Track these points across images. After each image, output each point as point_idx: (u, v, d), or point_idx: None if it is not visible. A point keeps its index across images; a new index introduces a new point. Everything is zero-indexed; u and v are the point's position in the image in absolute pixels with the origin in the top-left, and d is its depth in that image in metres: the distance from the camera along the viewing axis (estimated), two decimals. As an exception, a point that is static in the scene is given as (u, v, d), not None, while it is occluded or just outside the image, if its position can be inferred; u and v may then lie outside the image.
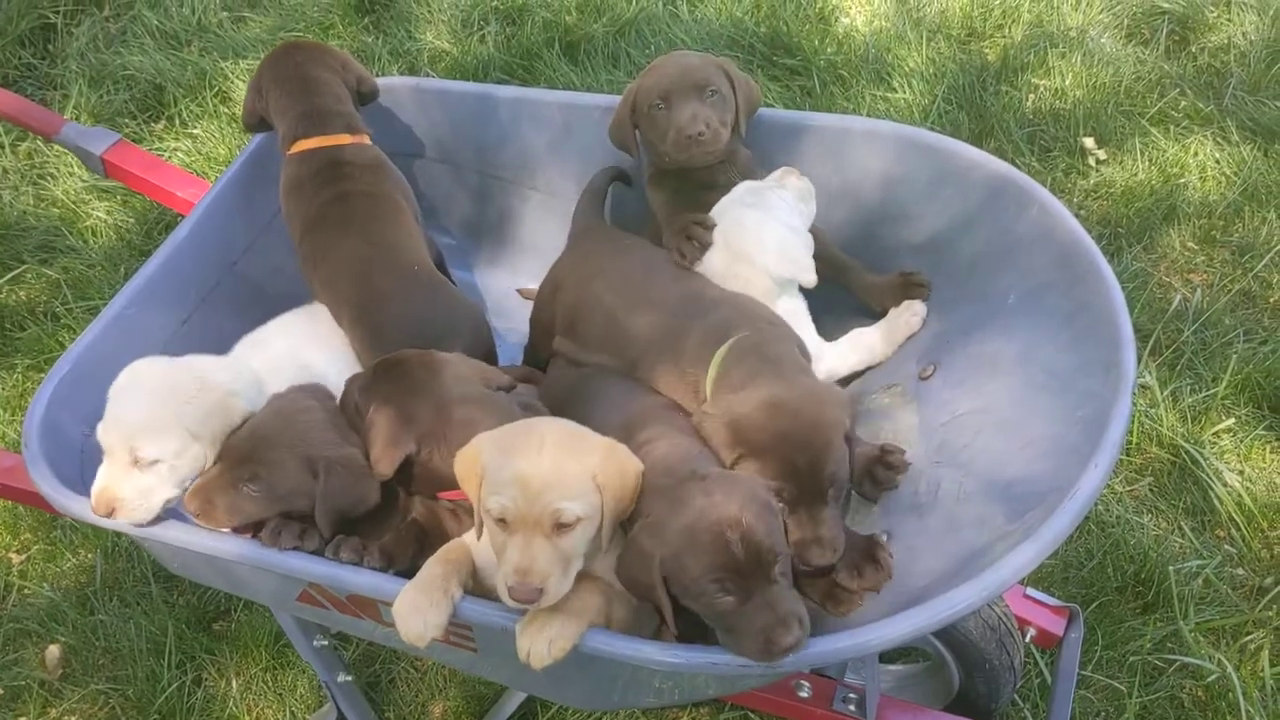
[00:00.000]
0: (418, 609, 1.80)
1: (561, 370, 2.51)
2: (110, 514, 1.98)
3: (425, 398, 2.08)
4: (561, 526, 1.75)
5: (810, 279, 2.37)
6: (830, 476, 1.89)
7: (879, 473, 2.12)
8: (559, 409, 2.22)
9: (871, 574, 1.90)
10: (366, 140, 2.69)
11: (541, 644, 1.72)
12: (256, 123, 2.77)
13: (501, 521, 1.76)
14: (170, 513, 2.07)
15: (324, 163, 2.59)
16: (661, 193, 2.62)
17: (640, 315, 2.32)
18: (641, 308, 2.33)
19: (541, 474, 1.74)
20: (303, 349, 2.48)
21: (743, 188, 2.47)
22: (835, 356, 2.44)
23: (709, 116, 2.43)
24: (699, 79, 2.47)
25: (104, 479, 2.01)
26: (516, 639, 1.75)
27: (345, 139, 2.63)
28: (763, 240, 2.36)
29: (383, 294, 2.48)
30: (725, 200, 2.46)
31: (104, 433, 2.05)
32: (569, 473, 1.76)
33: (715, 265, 2.41)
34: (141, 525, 2.02)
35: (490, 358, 2.57)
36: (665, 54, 2.63)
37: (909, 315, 2.43)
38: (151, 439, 2.02)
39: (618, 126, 2.61)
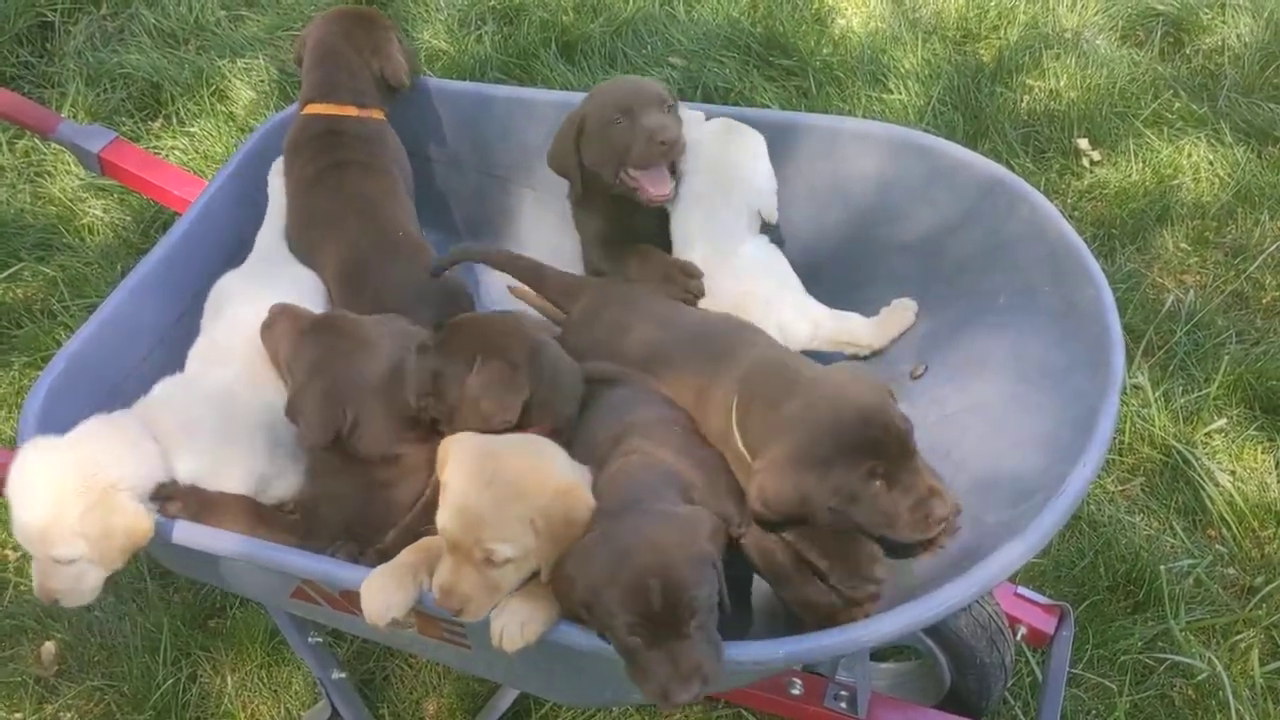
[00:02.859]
0: (383, 589, 1.83)
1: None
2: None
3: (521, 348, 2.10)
4: (490, 562, 1.77)
5: (773, 214, 2.49)
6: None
7: None
8: None
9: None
10: (376, 115, 2.79)
11: (514, 626, 1.75)
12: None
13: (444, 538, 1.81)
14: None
15: (324, 129, 2.73)
16: (592, 216, 2.65)
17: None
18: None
19: (480, 511, 1.77)
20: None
21: (723, 123, 2.55)
22: (810, 327, 2.46)
23: (675, 125, 2.46)
24: (656, 93, 2.50)
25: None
26: (490, 621, 1.77)
27: (351, 110, 2.75)
28: (756, 166, 2.48)
29: (366, 256, 2.59)
30: (713, 128, 2.54)
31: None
32: (507, 514, 1.76)
33: (695, 188, 2.51)
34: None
35: None
36: (603, 81, 2.66)
37: (901, 311, 2.45)
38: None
39: (562, 154, 2.58)
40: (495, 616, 1.77)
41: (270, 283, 2.57)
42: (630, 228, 2.58)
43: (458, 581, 1.76)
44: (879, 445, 1.78)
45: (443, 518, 1.80)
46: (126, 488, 2.00)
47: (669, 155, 2.46)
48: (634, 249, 2.57)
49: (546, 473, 1.85)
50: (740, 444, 1.96)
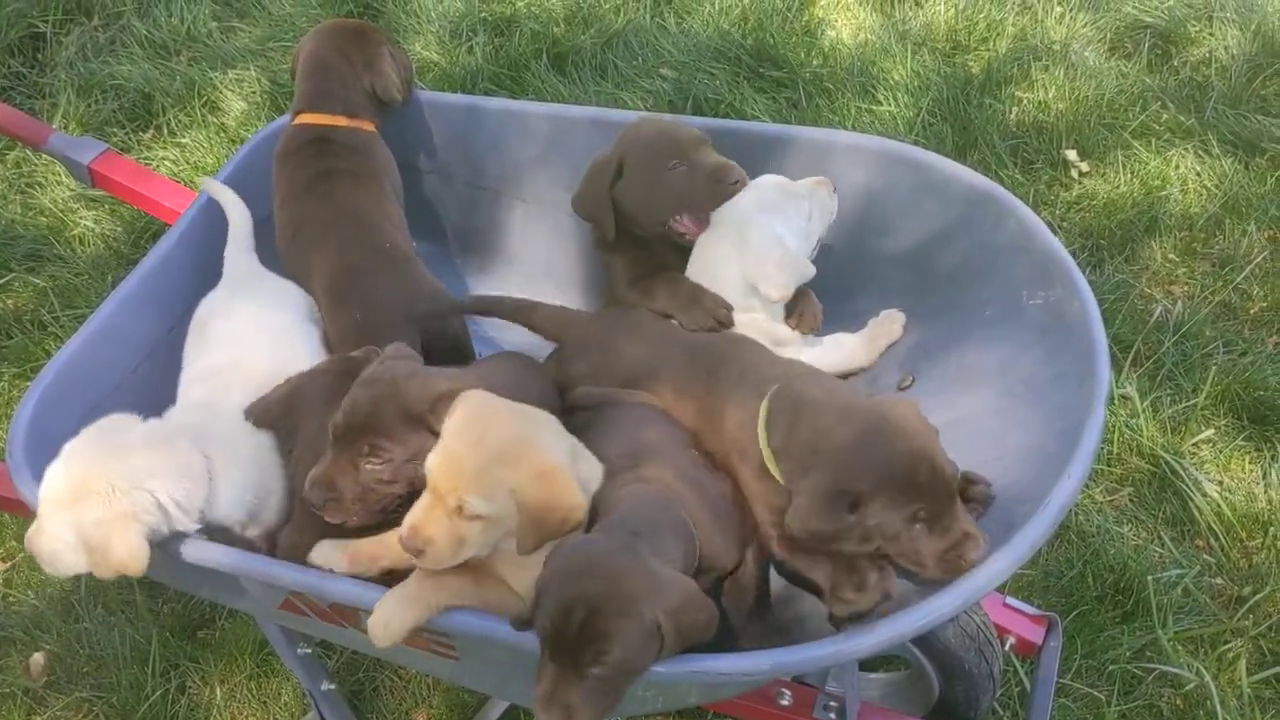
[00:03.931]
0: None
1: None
2: None
3: None
4: (461, 512, 1.79)
5: (771, 293, 2.37)
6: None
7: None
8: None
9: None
10: (367, 127, 2.80)
11: (378, 625, 1.82)
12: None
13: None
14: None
15: (313, 138, 2.74)
16: (619, 254, 2.59)
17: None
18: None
19: (463, 463, 1.80)
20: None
21: (773, 181, 2.46)
22: (809, 355, 2.46)
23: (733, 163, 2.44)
24: (697, 133, 2.48)
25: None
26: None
27: (341, 120, 2.76)
28: (751, 238, 2.39)
29: (353, 267, 2.58)
30: (755, 187, 2.45)
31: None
32: (487, 475, 1.79)
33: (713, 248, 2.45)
34: None
35: (461, 339, 2.71)
36: (639, 122, 2.57)
37: (889, 323, 2.46)
38: None
39: (595, 199, 2.51)
40: (374, 610, 1.83)
41: (253, 297, 2.59)
42: (657, 261, 2.53)
43: (427, 523, 1.79)
44: (926, 489, 1.77)
45: (431, 459, 1.83)
46: (146, 518, 1.98)
47: (735, 191, 2.42)
48: (663, 278, 2.50)
49: (532, 450, 1.85)
50: (771, 462, 1.95)
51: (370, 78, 2.80)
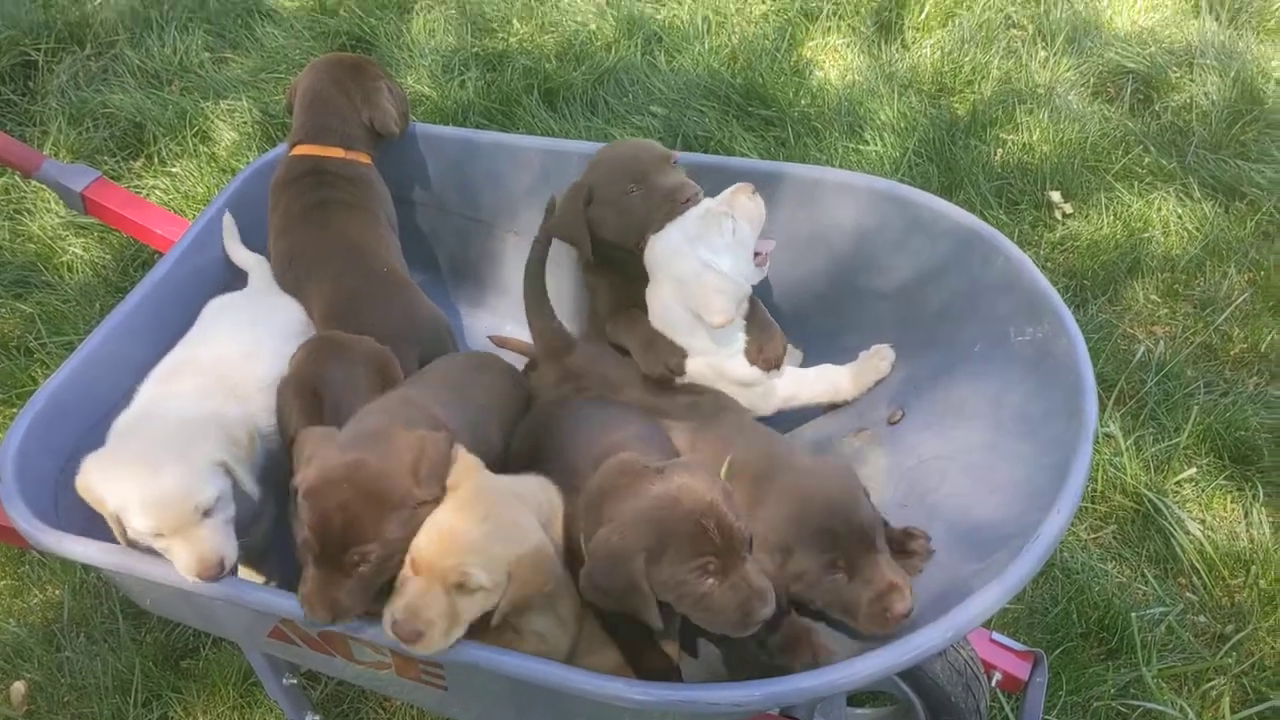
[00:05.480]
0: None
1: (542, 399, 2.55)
2: (222, 568, 1.97)
3: None
4: (462, 588, 1.80)
5: (714, 319, 2.38)
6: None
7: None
8: (539, 436, 2.30)
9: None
10: (362, 159, 2.83)
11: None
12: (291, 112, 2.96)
13: (413, 561, 1.82)
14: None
15: (310, 169, 2.77)
16: (602, 277, 2.65)
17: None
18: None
19: (470, 538, 1.82)
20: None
21: (696, 215, 2.45)
22: (791, 384, 2.51)
23: (686, 179, 2.48)
24: (660, 153, 2.51)
25: (187, 555, 1.96)
26: None
27: (337, 152, 2.80)
28: (681, 273, 2.41)
29: (350, 294, 2.62)
30: (679, 220, 2.46)
31: (146, 523, 1.97)
32: (494, 550, 1.82)
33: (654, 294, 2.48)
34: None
35: None
36: (604, 147, 2.62)
37: (878, 360, 2.49)
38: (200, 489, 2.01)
39: (571, 224, 2.56)
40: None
41: (255, 310, 2.63)
42: (638, 290, 2.55)
43: (428, 604, 1.78)
44: (840, 538, 1.89)
45: (424, 538, 1.83)
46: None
47: (690, 208, 2.45)
48: (633, 316, 2.55)
49: (527, 531, 1.89)
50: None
51: (368, 112, 2.83)
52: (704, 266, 2.39)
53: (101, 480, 2.01)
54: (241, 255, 2.82)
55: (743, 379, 2.47)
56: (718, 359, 2.46)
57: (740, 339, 2.48)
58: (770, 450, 2.15)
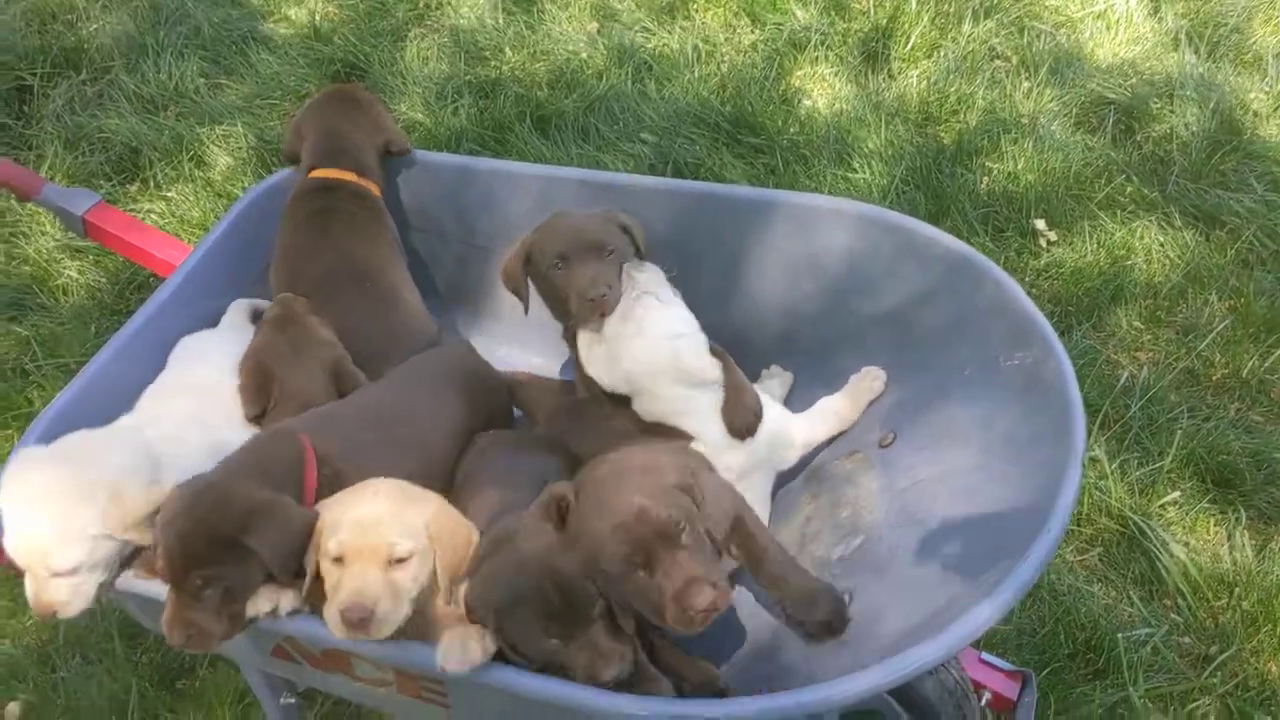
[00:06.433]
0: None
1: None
2: (54, 615, 2.05)
3: None
4: (394, 561, 1.91)
5: (708, 377, 2.41)
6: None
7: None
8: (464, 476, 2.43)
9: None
10: (373, 189, 2.90)
11: (456, 647, 1.84)
12: (295, 158, 3.00)
13: (338, 560, 1.91)
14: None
15: (322, 185, 2.84)
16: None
17: None
18: None
19: (377, 513, 1.94)
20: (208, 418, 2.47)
21: (650, 277, 2.49)
22: (807, 429, 2.54)
23: (609, 277, 2.42)
24: (594, 239, 2.46)
25: (31, 591, 2.05)
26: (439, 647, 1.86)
27: (350, 176, 2.86)
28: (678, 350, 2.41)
29: (341, 302, 2.70)
30: (648, 296, 2.45)
31: (13, 551, 2.05)
32: (403, 515, 1.95)
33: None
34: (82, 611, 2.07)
35: None
36: (557, 212, 2.61)
37: (870, 380, 2.54)
38: (60, 555, 2.04)
39: (510, 275, 2.59)
40: (442, 641, 1.86)
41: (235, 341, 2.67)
42: None
43: (367, 583, 1.87)
44: (636, 535, 1.89)
45: (336, 541, 1.92)
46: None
47: (597, 311, 2.41)
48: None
49: (422, 491, 2.05)
50: None
51: (382, 136, 2.91)
52: (674, 337, 2.40)
53: (10, 476, 2.10)
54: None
55: (719, 448, 2.42)
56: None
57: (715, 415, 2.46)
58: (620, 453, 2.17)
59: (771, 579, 2.12)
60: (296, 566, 1.97)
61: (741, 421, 2.42)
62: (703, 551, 1.93)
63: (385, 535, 1.91)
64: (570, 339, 2.58)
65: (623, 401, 2.45)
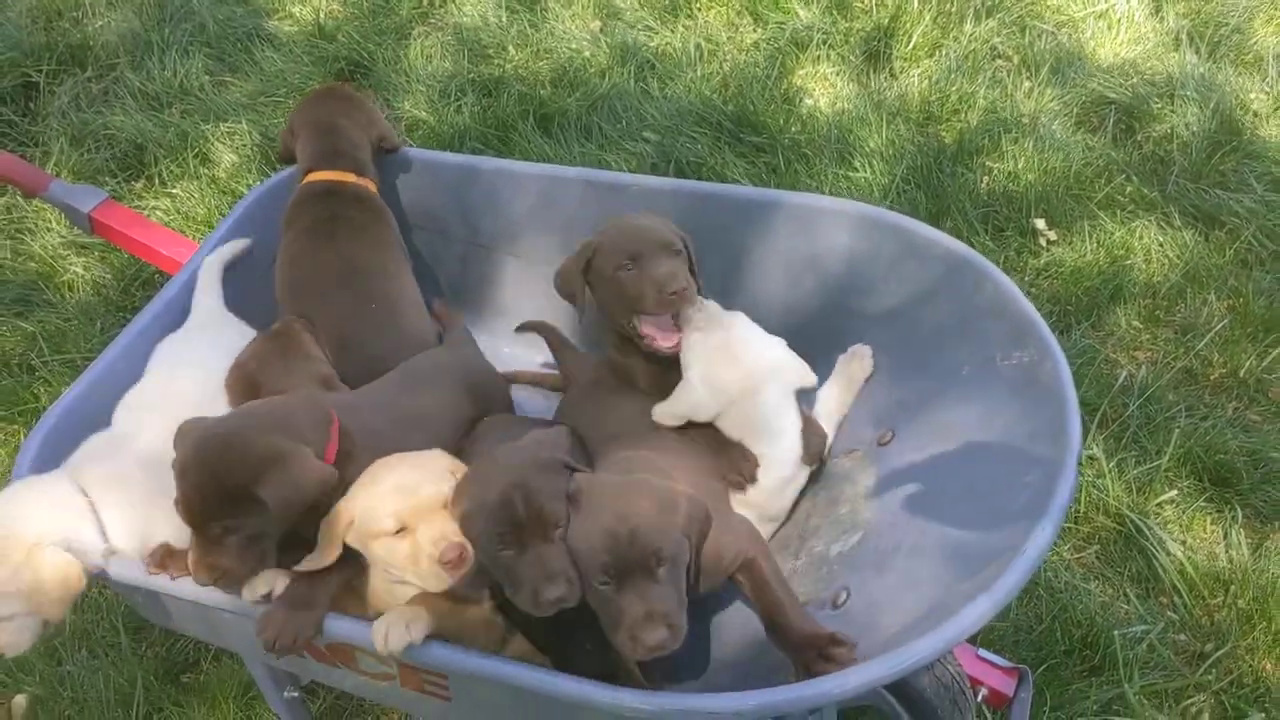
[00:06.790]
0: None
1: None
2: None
3: None
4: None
5: (807, 379, 2.47)
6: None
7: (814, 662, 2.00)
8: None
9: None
10: (371, 187, 2.90)
11: (399, 626, 1.88)
12: (289, 157, 3.01)
13: (400, 533, 1.97)
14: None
15: (324, 190, 2.83)
16: (630, 359, 2.61)
17: None
18: None
19: (408, 476, 2.04)
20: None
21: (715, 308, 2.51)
22: (823, 425, 2.58)
23: (685, 272, 2.43)
24: (664, 239, 2.46)
25: None
26: (373, 628, 1.90)
27: (350, 177, 2.85)
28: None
29: (347, 312, 2.71)
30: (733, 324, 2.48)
31: None
32: (429, 467, 2.07)
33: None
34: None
35: None
36: (615, 217, 2.59)
37: (859, 358, 2.58)
38: None
39: (568, 278, 2.57)
40: (380, 621, 1.90)
41: (215, 344, 2.63)
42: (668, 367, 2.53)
43: (446, 528, 1.96)
44: (620, 551, 1.91)
45: (388, 516, 1.97)
46: (51, 543, 2.04)
47: (678, 306, 2.42)
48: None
49: (434, 450, 2.18)
50: None
51: (376, 131, 2.92)
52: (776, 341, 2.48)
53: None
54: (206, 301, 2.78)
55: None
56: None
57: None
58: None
59: (780, 629, 2.07)
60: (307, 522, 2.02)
61: (816, 446, 2.48)
62: (675, 591, 1.93)
63: (433, 487, 2.00)
64: (617, 343, 2.61)
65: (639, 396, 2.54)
